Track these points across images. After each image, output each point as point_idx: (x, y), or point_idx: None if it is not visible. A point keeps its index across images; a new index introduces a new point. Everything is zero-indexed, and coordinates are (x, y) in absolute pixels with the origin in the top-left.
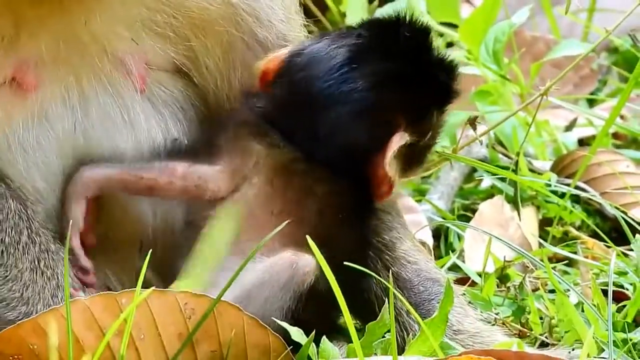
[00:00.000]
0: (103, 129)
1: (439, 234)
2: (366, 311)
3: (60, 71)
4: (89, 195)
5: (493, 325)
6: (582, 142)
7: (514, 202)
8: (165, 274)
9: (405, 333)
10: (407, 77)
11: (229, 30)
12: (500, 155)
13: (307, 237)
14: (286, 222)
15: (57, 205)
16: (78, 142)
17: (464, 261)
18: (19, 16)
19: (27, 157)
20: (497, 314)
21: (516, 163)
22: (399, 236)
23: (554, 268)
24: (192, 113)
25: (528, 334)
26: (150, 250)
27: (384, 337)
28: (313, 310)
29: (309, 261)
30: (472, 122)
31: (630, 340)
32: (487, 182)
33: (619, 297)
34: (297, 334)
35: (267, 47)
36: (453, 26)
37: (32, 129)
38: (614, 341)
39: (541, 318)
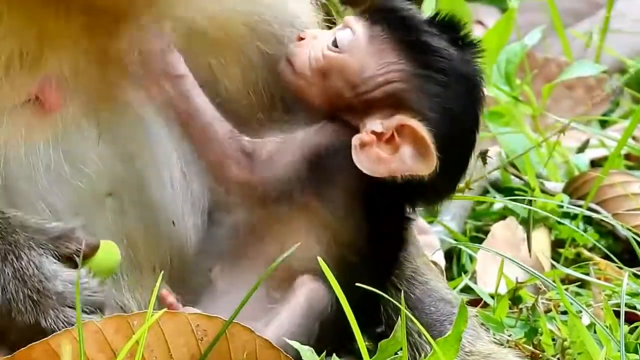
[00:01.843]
0: (124, 150)
1: (451, 255)
2: (377, 330)
3: (83, 90)
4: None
5: (505, 347)
6: (595, 164)
7: (527, 223)
8: (181, 293)
9: (417, 353)
10: None
11: (247, 47)
12: (512, 177)
13: (319, 259)
14: (296, 245)
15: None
16: (99, 163)
17: (476, 282)
18: (42, 31)
19: (47, 176)
20: (509, 335)
21: (529, 185)
22: (410, 254)
23: (566, 289)
24: None
25: (540, 356)
26: (163, 271)
27: (396, 354)
28: (325, 330)
29: (326, 291)
30: (483, 157)
31: None
32: (499, 203)
33: (632, 318)
34: (308, 354)
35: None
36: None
37: (53, 147)
38: None
39: (553, 340)
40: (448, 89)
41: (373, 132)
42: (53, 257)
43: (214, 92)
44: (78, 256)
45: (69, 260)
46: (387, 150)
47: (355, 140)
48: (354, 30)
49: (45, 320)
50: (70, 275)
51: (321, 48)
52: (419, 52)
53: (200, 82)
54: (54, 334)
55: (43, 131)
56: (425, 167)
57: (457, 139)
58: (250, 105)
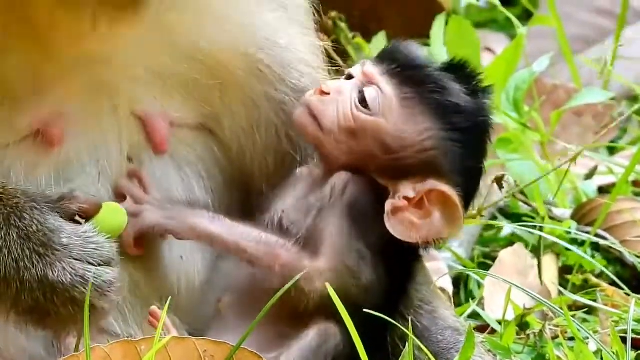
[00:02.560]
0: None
1: (459, 281)
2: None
3: (85, 127)
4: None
5: None
6: (602, 190)
7: (535, 249)
8: (189, 323)
9: None
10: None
11: (250, 88)
12: (521, 203)
13: (328, 285)
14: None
15: None
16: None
17: (483, 309)
18: (38, 70)
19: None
20: None
21: (537, 211)
22: (417, 283)
23: (573, 316)
24: (217, 171)
25: None
26: (170, 297)
27: None
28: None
29: (337, 333)
30: (499, 181)
31: None
32: (507, 230)
33: (638, 344)
34: None
35: (287, 105)
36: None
37: (55, 183)
38: None
39: None
40: (470, 147)
41: (405, 198)
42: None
43: (215, 129)
44: (81, 217)
45: (73, 221)
46: (418, 215)
47: (389, 206)
48: (383, 89)
49: (53, 273)
50: (74, 229)
51: (350, 107)
52: (449, 113)
53: (202, 120)
54: (62, 358)
55: (45, 166)
56: (454, 231)
57: (473, 188)
58: (254, 144)
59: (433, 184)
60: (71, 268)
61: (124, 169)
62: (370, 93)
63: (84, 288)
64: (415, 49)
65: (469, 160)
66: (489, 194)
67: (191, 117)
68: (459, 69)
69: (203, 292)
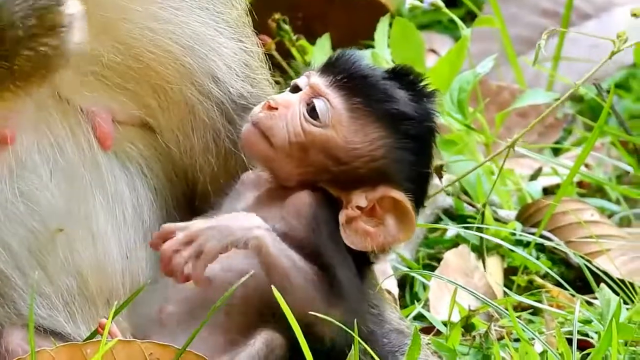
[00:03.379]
0: (75, 186)
1: (405, 283)
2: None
3: (34, 123)
4: None
5: None
6: (547, 191)
7: (480, 251)
8: (135, 325)
9: None
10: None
11: (186, 91)
12: (465, 205)
13: (274, 288)
14: (250, 273)
15: (29, 261)
16: (51, 199)
17: (429, 310)
18: None
19: (1, 212)
20: None
21: (482, 213)
22: None
23: (519, 317)
24: (159, 169)
25: None
26: (117, 301)
27: None
28: None
29: (280, 341)
30: (439, 171)
31: None
32: (452, 231)
33: (584, 345)
34: None
35: (224, 108)
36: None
37: (7, 183)
38: None
39: None
40: (420, 155)
41: (358, 207)
42: None
43: (155, 128)
44: None
45: None
46: (372, 223)
47: (342, 217)
48: (331, 101)
49: None
50: None
51: (299, 121)
52: (397, 121)
53: (142, 118)
54: None
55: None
56: (408, 234)
57: (422, 193)
58: (192, 149)
59: (384, 190)
60: None
61: (74, 166)
62: (319, 105)
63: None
64: (360, 58)
65: (417, 166)
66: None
67: (133, 115)
68: (404, 75)
69: (146, 297)
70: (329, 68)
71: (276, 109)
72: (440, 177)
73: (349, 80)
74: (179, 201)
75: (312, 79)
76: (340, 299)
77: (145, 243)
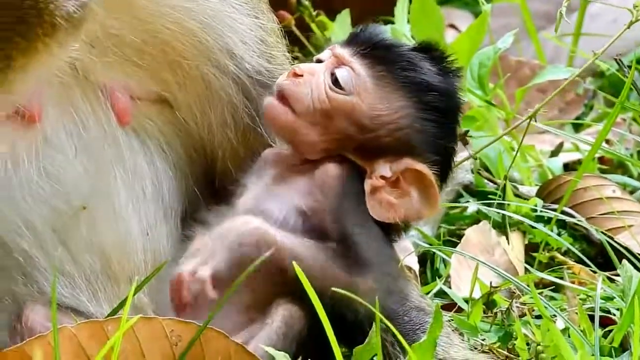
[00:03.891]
0: (97, 163)
1: (425, 259)
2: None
3: (58, 101)
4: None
5: (480, 351)
6: (568, 167)
7: (501, 227)
8: (158, 301)
9: None
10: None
11: (202, 67)
12: (486, 181)
13: (294, 264)
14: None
15: (52, 240)
16: (75, 177)
17: (450, 287)
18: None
19: (25, 191)
20: (483, 340)
21: (502, 188)
22: None
23: (540, 294)
24: (178, 145)
25: None
26: (137, 277)
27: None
28: (302, 349)
29: (299, 314)
30: (463, 137)
31: None
32: (473, 207)
33: (606, 322)
34: (282, 359)
35: (240, 83)
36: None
37: (32, 161)
38: None
39: (528, 344)
40: (445, 128)
41: (382, 177)
42: None
43: (173, 104)
44: None
45: None
46: (395, 195)
47: (367, 186)
48: (355, 69)
49: None
50: None
51: (323, 88)
52: (421, 91)
53: (160, 94)
54: (29, 339)
55: (24, 145)
56: (431, 210)
57: (447, 169)
58: (210, 124)
59: (408, 163)
60: None
61: (96, 143)
62: (342, 73)
63: None
64: (382, 31)
65: (441, 139)
66: (455, 172)
67: (150, 91)
68: (430, 50)
69: (170, 273)
70: (353, 40)
71: (301, 76)
72: (465, 143)
73: (373, 49)
74: (198, 177)
75: (335, 50)
76: (366, 268)
77: (165, 219)
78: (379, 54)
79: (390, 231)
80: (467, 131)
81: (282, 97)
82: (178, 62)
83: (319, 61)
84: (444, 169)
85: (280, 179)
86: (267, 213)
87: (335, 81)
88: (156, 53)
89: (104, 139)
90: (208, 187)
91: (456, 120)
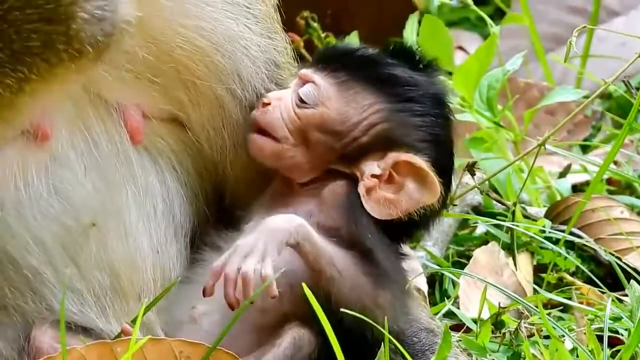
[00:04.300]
0: (107, 181)
1: (434, 280)
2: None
3: (69, 119)
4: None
5: None
6: (576, 189)
7: (509, 248)
8: (167, 321)
9: None
10: None
11: (215, 87)
12: (495, 202)
13: (304, 285)
14: (282, 269)
15: (61, 257)
16: (84, 194)
17: (458, 308)
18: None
19: (35, 209)
20: None
21: (513, 212)
22: None
23: (548, 314)
24: (189, 165)
25: None
26: (147, 297)
27: None
28: None
29: (308, 337)
30: (471, 168)
31: None
32: (481, 228)
33: (614, 342)
34: None
35: (250, 105)
36: (447, 73)
37: (42, 180)
38: None
39: None
40: (427, 116)
41: (373, 176)
42: None
43: (186, 123)
44: None
45: None
46: (392, 190)
47: (361, 188)
48: (317, 82)
49: None
50: None
51: (291, 108)
52: (389, 86)
53: (173, 113)
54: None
55: (35, 163)
56: (432, 196)
57: (444, 159)
58: (223, 144)
59: (395, 156)
60: None
61: (107, 161)
62: (305, 90)
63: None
64: (346, 45)
65: (426, 128)
66: (463, 191)
67: (163, 110)
68: (397, 50)
69: (179, 294)
70: (316, 59)
71: (269, 104)
72: (473, 174)
73: (332, 59)
74: (208, 197)
75: (300, 72)
76: (387, 280)
77: (175, 238)
78: (338, 62)
79: (398, 239)
80: (475, 162)
81: (259, 129)
82: (191, 81)
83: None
84: (443, 159)
85: (285, 203)
86: None
87: (300, 99)
88: (169, 72)
89: (116, 157)
90: (218, 207)
91: (444, 109)
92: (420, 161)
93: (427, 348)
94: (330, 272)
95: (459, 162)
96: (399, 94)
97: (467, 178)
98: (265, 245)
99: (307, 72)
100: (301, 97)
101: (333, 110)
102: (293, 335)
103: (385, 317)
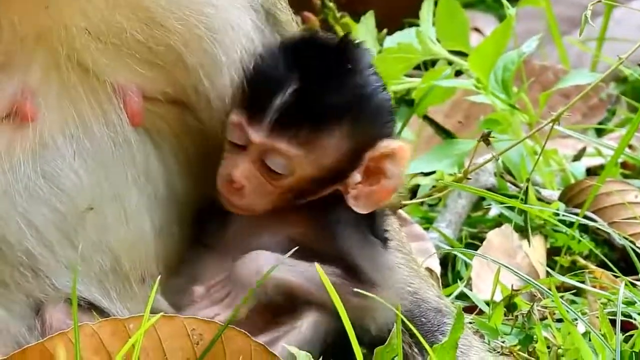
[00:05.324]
0: (103, 164)
1: (447, 262)
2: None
3: (58, 100)
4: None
5: (500, 354)
6: (591, 172)
7: (522, 230)
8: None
9: None
10: None
11: (208, 69)
12: (509, 184)
13: (317, 266)
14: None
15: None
16: (76, 178)
17: (471, 289)
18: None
19: (25, 193)
20: (504, 342)
21: (525, 192)
22: (397, 263)
23: (561, 297)
24: (190, 145)
25: None
26: (151, 279)
27: None
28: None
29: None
30: (486, 138)
31: None
32: (495, 210)
33: (627, 326)
34: (305, 358)
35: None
36: (462, 54)
37: (31, 162)
38: None
39: (548, 347)
40: (378, 117)
41: (358, 183)
42: None
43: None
44: None
45: None
46: (375, 181)
47: (350, 200)
48: (283, 151)
49: None
50: None
51: (268, 184)
52: (343, 116)
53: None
54: (49, 336)
55: (21, 144)
56: (405, 157)
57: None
58: (224, 125)
59: (369, 155)
60: None
61: (103, 144)
62: (274, 163)
63: None
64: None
65: (380, 118)
66: (478, 175)
67: (163, 91)
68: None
69: (180, 275)
70: (256, 114)
71: (243, 187)
72: (488, 144)
73: (284, 117)
74: (210, 179)
75: (251, 136)
76: (374, 285)
77: (177, 219)
78: (290, 119)
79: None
80: (490, 132)
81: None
82: (191, 64)
83: (239, 145)
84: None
85: (260, 225)
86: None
87: (272, 170)
88: (169, 53)
89: (113, 139)
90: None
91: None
92: (390, 144)
93: (436, 329)
94: (316, 296)
95: (473, 143)
96: (356, 119)
97: (480, 159)
98: (234, 299)
99: (265, 141)
100: (272, 169)
101: (312, 169)
102: (314, 318)
103: (396, 300)
